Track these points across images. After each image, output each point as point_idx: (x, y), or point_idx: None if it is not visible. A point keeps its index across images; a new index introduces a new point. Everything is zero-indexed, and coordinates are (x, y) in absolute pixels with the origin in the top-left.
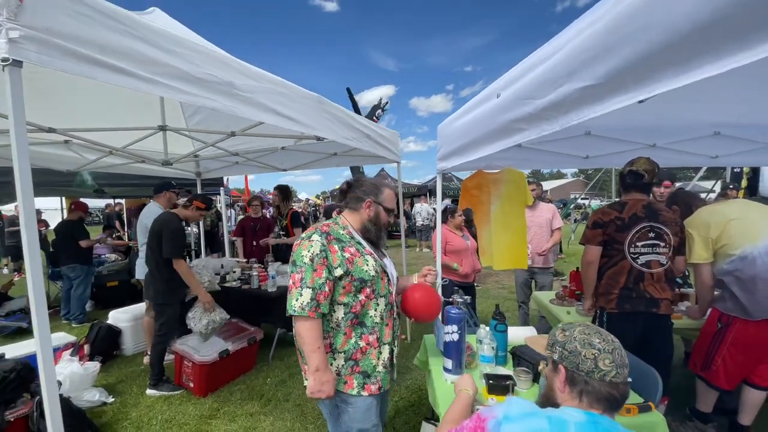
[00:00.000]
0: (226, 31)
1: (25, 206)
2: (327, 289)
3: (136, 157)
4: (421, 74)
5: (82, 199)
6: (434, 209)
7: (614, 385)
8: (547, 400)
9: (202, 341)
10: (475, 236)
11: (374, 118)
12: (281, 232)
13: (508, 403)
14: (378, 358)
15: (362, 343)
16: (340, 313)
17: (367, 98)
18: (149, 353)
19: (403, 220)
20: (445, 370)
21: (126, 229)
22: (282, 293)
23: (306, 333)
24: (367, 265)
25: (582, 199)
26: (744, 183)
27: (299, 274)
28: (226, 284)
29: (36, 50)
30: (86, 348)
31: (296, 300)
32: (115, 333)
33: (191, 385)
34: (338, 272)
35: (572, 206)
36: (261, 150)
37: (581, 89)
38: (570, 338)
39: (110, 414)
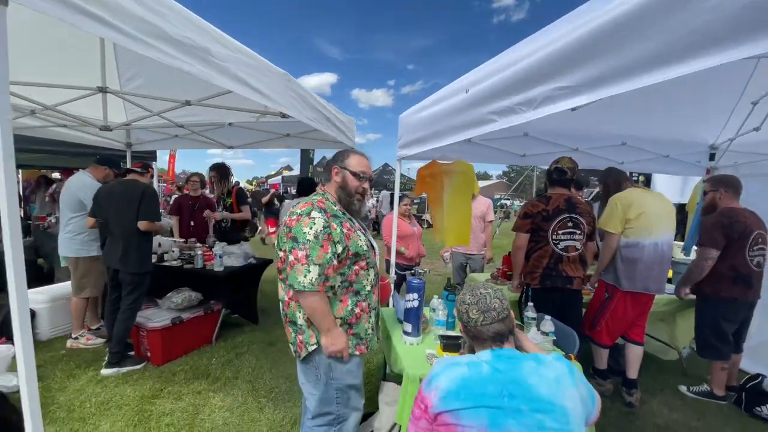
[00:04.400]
0: None
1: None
2: (336, 262)
3: (69, 119)
4: (364, 66)
5: None
6: (376, 200)
7: (487, 326)
8: (473, 351)
9: None
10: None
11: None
12: (224, 211)
13: (434, 365)
14: (368, 322)
15: (357, 310)
16: (336, 282)
17: (308, 83)
18: (75, 336)
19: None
20: (405, 333)
21: (24, 205)
22: (230, 273)
23: (317, 304)
24: (360, 240)
25: (505, 199)
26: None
27: (303, 250)
28: (165, 263)
29: None
30: None
31: (304, 276)
32: None
33: (149, 354)
34: (339, 248)
35: (498, 205)
36: (208, 124)
37: (554, 89)
38: (458, 301)
39: None
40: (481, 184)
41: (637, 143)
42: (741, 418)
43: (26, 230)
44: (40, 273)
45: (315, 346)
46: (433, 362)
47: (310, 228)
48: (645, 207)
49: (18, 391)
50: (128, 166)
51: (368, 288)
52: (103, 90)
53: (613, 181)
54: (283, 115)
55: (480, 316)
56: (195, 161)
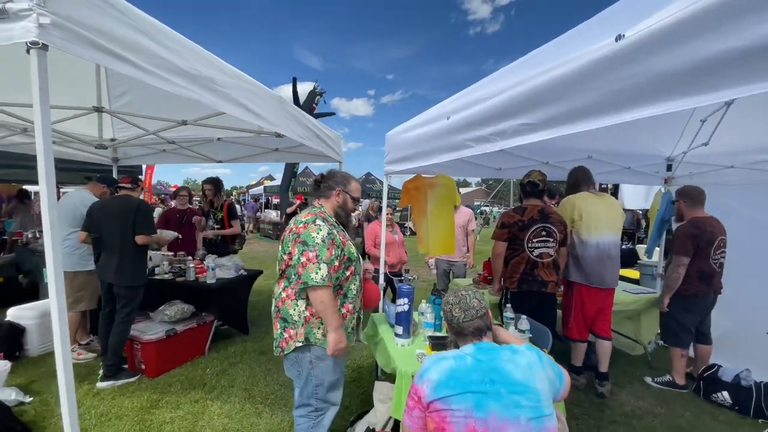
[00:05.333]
0: (141, 4)
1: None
2: (337, 263)
3: (65, 138)
4: (344, 76)
5: None
6: (360, 208)
7: (468, 322)
8: (457, 347)
9: None
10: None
11: (313, 105)
12: (216, 225)
13: (424, 361)
14: (351, 323)
15: (344, 311)
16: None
17: (286, 93)
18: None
19: None
20: (396, 335)
21: None
22: (222, 285)
23: (328, 298)
24: (352, 248)
25: (484, 206)
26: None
27: (313, 252)
28: (156, 277)
29: (60, 36)
30: None
31: (316, 273)
32: (18, 331)
33: (143, 367)
34: (338, 251)
35: (478, 212)
36: (196, 139)
37: (520, 124)
38: (443, 302)
39: (32, 413)
40: (461, 191)
41: (602, 156)
42: (699, 404)
43: (2, 246)
44: (20, 288)
45: (301, 343)
46: (422, 360)
47: (318, 233)
48: (586, 209)
49: (17, 406)
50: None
51: (354, 292)
52: (98, 110)
53: (575, 180)
54: (278, 135)
55: (461, 314)
56: (171, 173)
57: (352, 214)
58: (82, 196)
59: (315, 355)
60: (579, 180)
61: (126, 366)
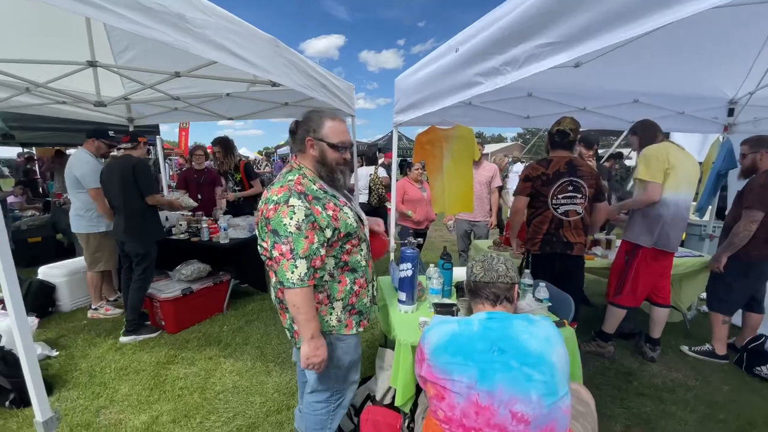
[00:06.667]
0: None
1: None
2: (323, 252)
3: (61, 95)
4: (373, 26)
5: None
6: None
7: (487, 284)
8: (470, 313)
9: None
10: None
11: None
12: (236, 187)
13: (429, 322)
14: (367, 296)
15: (356, 287)
16: (331, 264)
17: (315, 46)
18: (94, 308)
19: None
20: (400, 302)
21: (42, 182)
22: (235, 245)
23: (302, 303)
24: (349, 217)
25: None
26: None
27: (286, 245)
28: (173, 237)
29: None
30: None
31: (291, 272)
32: (48, 289)
33: (163, 323)
34: (327, 233)
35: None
36: (204, 95)
37: (537, 46)
38: (469, 260)
39: (57, 366)
40: (495, 147)
41: (650, 100)
42: (740, 377)
43: (45, 207)
44: (61, 248)
45: None
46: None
47: (291, 218)
48: (677, 163)
49: (43, 359)
50: None
51: (363, 263)
52: (93, 64)
53: (648, 133)
54: (274, 84)
55: (482, 273)
56: (206, 134)
57: (349, 174)
58: (78, 157)
59: (336, 338)
60: (654, 132)
61: (148, 322)
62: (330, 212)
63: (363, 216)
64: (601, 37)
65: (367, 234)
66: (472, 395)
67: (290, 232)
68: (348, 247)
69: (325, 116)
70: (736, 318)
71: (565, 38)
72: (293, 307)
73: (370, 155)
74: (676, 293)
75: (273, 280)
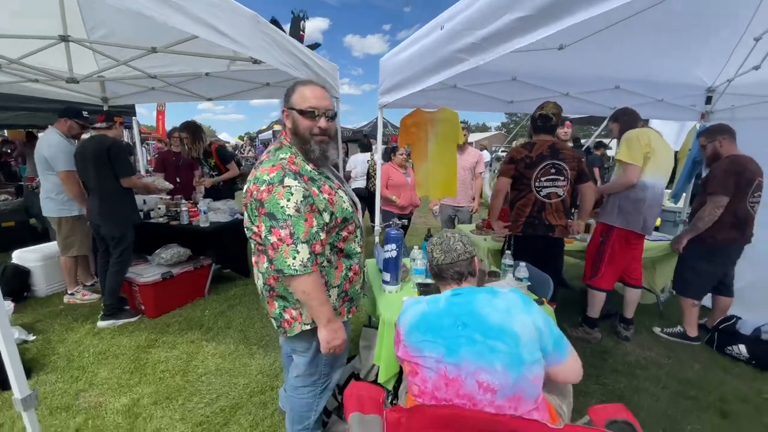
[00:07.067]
0: None
1: None
2: (323, 236)
3: (33, 72)
4: (358, 9)
5: None
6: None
7: (449, 265)
8: (438, 292)
9: None
10: None
11: (300, 33)
12: (212, 172)
13: (404, 303)
14: (359, 283)
15: (351, 273)
16: (327, 250)
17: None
18: (70, 292)
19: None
20: (384, 282)
21: (15, 165)
22: (216, 229)
23: (312, 288)
24: (344, 201)
25: (502, 151)
26: None
27: (286, 229)
28: (152, 220)
29: None
30: None
31: (293, 258)
32: (23, 273)
33: (143, 308)
34: (326, 217)
35: (494, 157)
36: (183, 75)
37: (514, 20)
38: (428, 244)
39: (34, 351)
40: (479, 136)
41: (631, 86)
42: (711, 356)
43: (18, 191)
44: (35, 233)
45: (309, 326)
46: None
47: (288, 200)
48: (657, 147)
49: (20, 344)
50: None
51: (358, 249)
52: (65, 39)
53: (628, 120)
54: (255, 61)
55: (442, 256)
56: (185, 117)
57: (333, 147)
58: (47, 137)
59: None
60: (634, 119)
61: (127, 307)
62: (326, 195)
63: (357, 200)
64: (577, 13)
65: (361, 219)
66: (440, 369)
67: (289, 214)
68: (344, 234)
69: (299, 83)
70: (707, 300)
71: (537, 10)
72: (303, 294)
73: (365, 143)
74: (650, 276)
75: (264, 266)
